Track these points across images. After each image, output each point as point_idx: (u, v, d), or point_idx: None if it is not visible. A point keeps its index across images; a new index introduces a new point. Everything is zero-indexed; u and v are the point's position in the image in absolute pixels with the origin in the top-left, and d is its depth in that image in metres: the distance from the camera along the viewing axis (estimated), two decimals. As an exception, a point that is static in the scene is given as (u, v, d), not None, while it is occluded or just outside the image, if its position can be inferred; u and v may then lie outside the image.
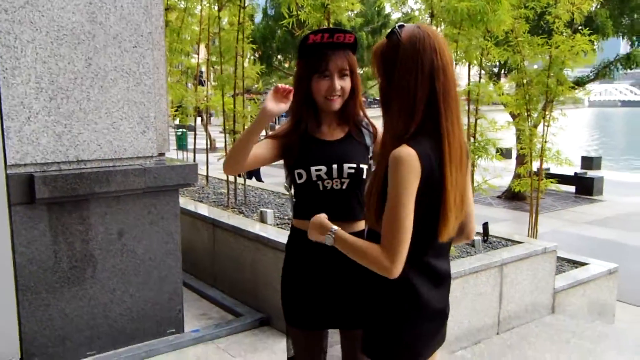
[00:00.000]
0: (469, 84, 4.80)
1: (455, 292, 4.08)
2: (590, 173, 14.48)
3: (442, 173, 1.50)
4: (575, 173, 13.58)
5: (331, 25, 4.07)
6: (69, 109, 2.83)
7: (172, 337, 3.24)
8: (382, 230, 1.48)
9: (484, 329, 4.33)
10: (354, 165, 1.93)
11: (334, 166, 1.92)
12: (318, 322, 2.02)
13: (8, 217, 2.68)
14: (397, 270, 1.48)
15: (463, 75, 5.14)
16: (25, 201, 2.73)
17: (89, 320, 2.99)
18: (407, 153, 1.46)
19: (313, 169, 1.93)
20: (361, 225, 2.02)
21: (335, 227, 1.59)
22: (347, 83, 1.93)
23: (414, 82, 1.49)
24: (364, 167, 1.96)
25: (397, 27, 1.56)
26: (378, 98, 1.66)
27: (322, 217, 1.66)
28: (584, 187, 13.12)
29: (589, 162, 17.59)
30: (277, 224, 3.96)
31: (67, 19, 2.78)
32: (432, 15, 4.24)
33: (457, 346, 4.16)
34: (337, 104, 1.93)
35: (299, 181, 1.97)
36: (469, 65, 4.77)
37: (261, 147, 2.01)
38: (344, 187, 1.94)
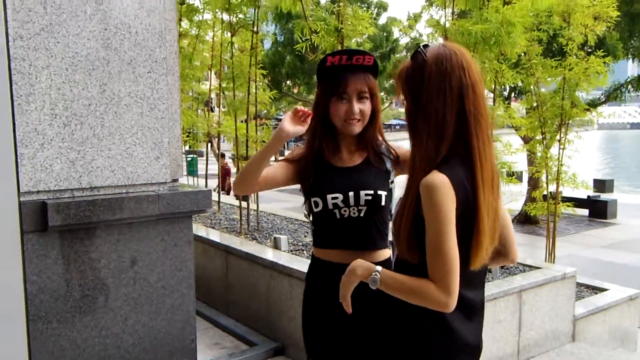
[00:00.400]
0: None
1: (474, 319, 3.98)
2: (603, 196, 14.32)
3: (475, 197, 1.44)
4: (588, 196, 13.43)
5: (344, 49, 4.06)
6: (83, 135, 2.80)
7: (185, 367, 3.15)
8: (428, 264, 1.42)
9: (504, 357, 4.21)
10: (371, 192, 1.87)
11: (351, 194, 1.86)
12: (339, 355, 1.94)
13: (20, 246, 2.63)
14: (454, 302, 1.42)
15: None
16: (38, 229, 2.68)
17: (100, 351, 2.91)
18: (440, 180, 1.40)
19: (329, 197, 1.88)
20: (382, 254, 1.95)
21: (380, 268, 1.49)
22: (366, 106, 1.88)
23: (443, 103, 1.45)
24: (382, 193, 1.90)
25: (421, 47, 1.51)
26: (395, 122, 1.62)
27: (360, 262, 1.56)
28: (598, 210, 12.97)
29: (601, 184, 17.42)
30: (291, 250, 3.89)
31: (81, 45, 2.77)
32: (445, 39, 4.22)
33: (477, 376, 4.03)
34: (356, 127, 1.89)
35: (315, 209, 1.92)
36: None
37: (275, 170, 1.99)
38: (361, 214, 1.88)
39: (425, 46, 1.52)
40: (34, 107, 2.65)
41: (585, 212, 13.16)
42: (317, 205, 1.90)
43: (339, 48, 3.92)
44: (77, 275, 2.82)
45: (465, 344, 1.56)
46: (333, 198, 1.87)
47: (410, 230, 1.46)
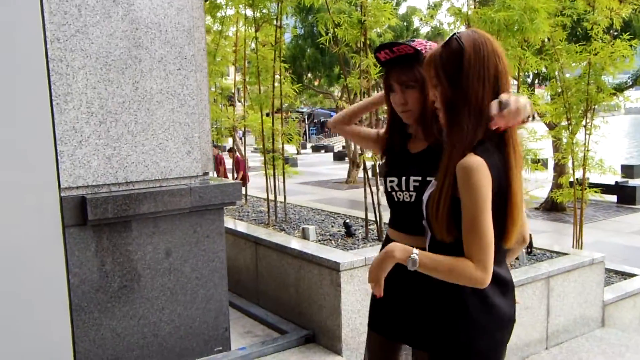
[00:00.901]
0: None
1: (502, 306, 4.00)
2: (632, 182, 14.08)
3: (508, 178, 1.51)
4: (617, 182, 13.23)
5: (367, 41, 4.10)
6: (118, 132, 2.90)
7: (220, 355, 3.25)
8: (465, 242, 1.49)
9: (532, 343, 4.23)
10: (419, 179, 1.91)
11: (403, 178, 1.93)
12: (388, 329, 2.01)
13: (62, 239, 2.75)
14: (489, 278, 1.49)
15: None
16: (78, 223, 2.80)
17: (139, 339, 3.03)
18: (478, 162, 1.47)
19: (388, 179, 1.99)
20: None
21: (417, 250, 1.55)
22: (412, 96, 1.89)
23: (483, 88, 1.51)
24: (433, 180, 1.94)
25: (456, 34, 1.57)
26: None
27: (396, 245, 1.61)
28: (626, 196, 12.77)
29: (629, 170, 17.09)
30: (319, 240, 3.96)
31: (114, 45, 2.87)
32: (468, 26, 4.23)
33: (506, 361, 4.06)
34: (406, 117, 1.93)
35: (382, 190, 2.03)
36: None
37: (370, 132, 2.21)
38: (412, 200, 1.93)
39: (457, 34, 1.58)
40: (72, 106, 2.77)
41: (613, 198, 12.97)
42: (383, 186, 2.03)
43: (362, 40, 3.96)
44: (115, 267, 2.94)
45: (504, 317, 1.63)
46: (390, 181, 1.97)
47: (449, 212, 1.52)
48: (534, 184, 4.98)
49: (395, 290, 1.92)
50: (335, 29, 3.99)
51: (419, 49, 1.85)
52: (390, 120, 2.03)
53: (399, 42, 1.89)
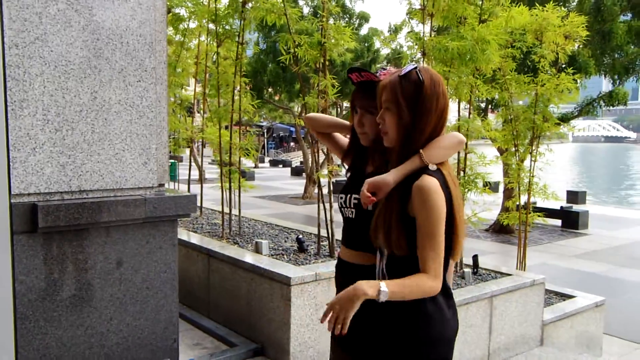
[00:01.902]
0: (459, 119, 4.95)
1: (447, 323, 4.14)
2: (576, 207, 14.70)
3: (449, 195, 1.67)
4: (561, 207, 13.79)
5: (326, 62, 4.22)
6: (74, 141, 2.90)
7: (167, 366, 3.25)
8: (421, 255, 1.63)
9: (474, 360, 4.38)
10: (358, 197, 2.01)
11: (348, 196, 2.04)
12: (346, 343, 2.08)
13: (10, 246, 2.71)
14: (440, 285, 1.64)
15: (453, 110, 5.30)
16: (28, 230, 2.77)
17: (85, 350, 3.00)
18: (434, 183, 1.63)
19: (339, 196, 2.11)
20: (372, 259, 2.03)
21: (383, 283, 1.62)
22: (370, 120, 1.99)
23: (431, 117, 1.71)
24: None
25: (417, 68, 1.73)
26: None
27: (363, 283, 1.64)
28: (570, 220, 13.31)
29: (574, 196, 17.85)
30: (272, 255, 4.01)
31: (74, 54, 2.88)
32: (423, 54, 4.41)
33: (449, 378, 4.19)
34: (362, 139, 2.03)
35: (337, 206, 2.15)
36: (459, 102, 4.93)
37: (344, 140, 2.29)
38: (353, 216, 2.03)
39: (414, 67, 1.74)
40: (27, 112, 2.75)
41: (558, 222, 13.51)
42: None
43: (321, 61, 4.08)
44: (64, 275, 2.91)
45: (454, 327, 1.79)
46: (340, 197, 2.09)
47: (400, 228, 1.66)
48: (482, 207, 5.19)
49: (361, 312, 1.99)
50: (296, 49, 4.10)
51: (381, 77, 1.97)
52: (352, 141, 2.13)
53: (364, 69, 2.01)
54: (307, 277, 3.40)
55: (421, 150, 1.70)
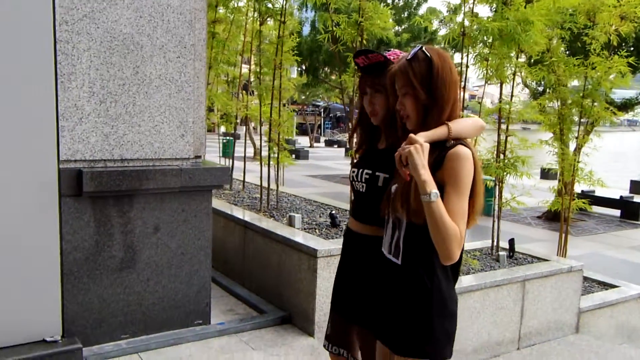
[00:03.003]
0: (500, 102, 4.89)
1: (476, 304, 4.17)
2: (638, 197, 14.06)
3: (475, 169, 1.76)
4: (621, 196, 13.25)
5: (364, 42, 4.28)
6: (117, 112, 3.12)
7: (199, 327, 3.47)
8: (455, 216, 1.68)
9: (503, 343, 4.39)
10: (370, 172, 2.10)
11: (360, 170, 2.13)
12: (344, 309, 2.20)
13: (58, 208, 2.97)
14: (459, 253, 1.71)
15: (495, 93, 5.24)
16: (74, 194, 3.02)
17: (123, 307, 3.25)
18: (468, 152, 1.73)
19: (352, 170, 2.20)
20: (375, 230, 2.12)
21: (437, 191, 1.66)
22: (379, 100, 2.07)
23: (447, 91, 1.78)
24: (381, 175, 2.09)
25: (423, 48, 1.81)
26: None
27: (429, 174, 1.67)
28: (630, 211, 12.76)
29: (638, 186, 17.05)
30: (305, 229, 4.15)
31: (119, 31, 3.08)
32: (463, 34, 4.38)
33: (475, 358, 4.23)
34: (374, 119, 2.11)
35: None
36: (501, 84, 4.86)
37: None
38: (363, 190, 2.12)
39: (421, 47, 1.82)
40: (75, 85, 2.98)
41: (617, 212, 13.00)
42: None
43: (359, 40, 4.13)
44: (106, 237, 3.16)
45: (457, 301, 1.89)
46: (353, 172, 2.19)
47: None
48: (520, 190, 5.13)
49: (364, 277, 2.09)
50: (334, 28, 4.16)
51: (390, 57, 2.04)
52: (360, 120, 2.21)
53: (372, 50, 2.07)
54: (334, 250, 3.51)
55: (448, 122, 1.77)
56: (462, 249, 1.75)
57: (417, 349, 1.80)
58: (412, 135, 1.70)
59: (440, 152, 1.74)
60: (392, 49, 2.06)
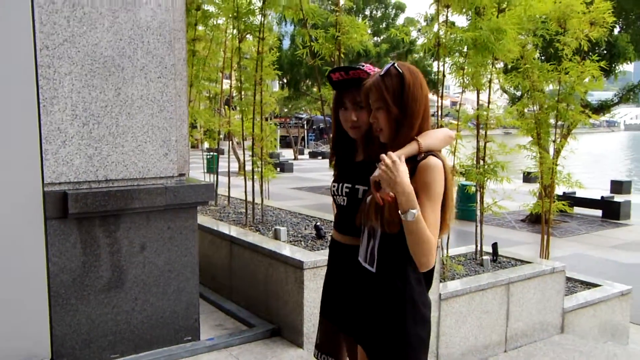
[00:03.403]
0: (477, 109, 5.00)
1: (462, 308, 4.24)
2: (619, 197, 14.31)
3: (445, 179, 1.84)
4: (602, 197, 13.48)
5: (342, 55, 4.37)
6: (100, 134, 3.15)
7: (189, 344, 3.49)
8: (428, 224, 1.75)
9: (490, 346, 4.47)
10: (349, 185, 2.17)
11: (340, 184, 2.19)
12: (331, 315, 2.25)
13: (44, 230, 2.99)
14: (434, 260, 1.79)
15: (472, 100, 5.35)
16: (59, 216, 3.04)
17: (112, 326, 3.26)
18: (440, 163, 1.81)
19: (332, 184, 2.26)
20: (357, 241, 2.18)
21: (418, 207, 1.72)
22: (363, 114, 2.13)
23: (417, 106, 1.86)
24: (360, 187, 2.16)
25: (395, 64, 1.89)
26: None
27: (411, 191, 1.73)
28: (611, 211, 12.99)
29: (618, 186, 17.36)
30: (291, 241, 4.20)
31: (99, 54, 3.12)
32: (438, 45, 4.49)
33: (463, 362, 4.30)
34: (354, 133, 2.17)
35: None
36: (478, 91, 4.98)
37: None
38: (344, 203, 2.18)
39: (393, 64, 1.89)
40: (57, 108, 3.02)
41: (599, 213, 13.22)
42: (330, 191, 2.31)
43: (337, 54, 4.22)
44: (93, 258, 3.18)
45: (431, 308, 1.95)
46: (333, 186, 2.25)
47: (395, 205, 1.78)
48: (502, 195, 5.23)
49: (347, 284, 2.15)
50: (312, 43, 4.25)
51: (369, 72, 2.11)
52: (336, 135, 2.27)
53: (353, 67, 2.14)
54: (320, 261, 3.56)
55: (417, 137, 1.84)
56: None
57: (392, 355, 1.86)
58: (383, 155, 1.76)
59: (412, 164, 1.81)
60: (363, 64, 2.14)
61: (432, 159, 1.80)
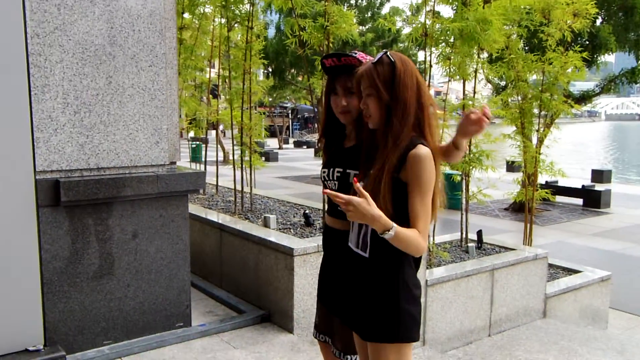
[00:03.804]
0: (463, 99, 5.08)
1: (448, 294, 4.34)
2: (599, 186, 14.58)
3: (435, 167, 1.89)
4: (583, 186, 13.73)
5: (331, 44, 4.40)
6: (91, 122, 3.16)
7: (180, 330, 3.53)
8: (413, 216, 1.83)
9: (475, 330, 4.58)
10: (341, 170, 2.22)
11: (331, 169, 2.24)
12: (324, 298, 2.31)
13: (36, 218, 3.01)
14: (426, 245, 1.86)
15: (458, 89, 5.43)
16: (51, 204, 3.06)
17: (105, 313, 3.30)
18: (429, 152, 1.86)
19: (322, 170, 2.30)
20: (349, 225, 2.25)
21: (394, 225, 1.78)
22: (353, 100, 2.18)
23: (409, 94, 1.90)
24: (352, 172, 2.21)
25: (387, 52, 1.94)
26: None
27: (381, 216, 1.78)
28: (592, 199, 13.25)
29: (599, 175, 17.66)
30: (280, 229, 4.25)
31: (90, 42, 3.13)
32: (425, 35, 4.54)
33: (449, 346, 4.40)
34: (344, 118, 2.22)
35: None
36: (464, 81, 5.05)
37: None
38: (335, 188, 2.23)
39: (385, 52, 1.93)
40: (49, 96, 3.02)
41: (580, 201, 13.47)
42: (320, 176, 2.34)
43: (326, 43, 4.25)
44: (85, 245, 3.21)
45: (421, 288, 2.03)
46: (323, 172, 2.29)
47: (390, 192, 1.85)
48: (486, 183, 5.33)
49: (340, 268, 2.20)
50: (301, 32, 4.27)
51: (361, 60, 2.16)
52: (327, 120, 2.33)
53: (346, 54, 2.19)
54: (310, 248, 3.63)
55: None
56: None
57: (387, 334, 1.93)
58: (348, 197, 1.79)
59: (402, 152, 1.86)
60: (356, 51, 2.18)
61: (421, 148, 1.85)
